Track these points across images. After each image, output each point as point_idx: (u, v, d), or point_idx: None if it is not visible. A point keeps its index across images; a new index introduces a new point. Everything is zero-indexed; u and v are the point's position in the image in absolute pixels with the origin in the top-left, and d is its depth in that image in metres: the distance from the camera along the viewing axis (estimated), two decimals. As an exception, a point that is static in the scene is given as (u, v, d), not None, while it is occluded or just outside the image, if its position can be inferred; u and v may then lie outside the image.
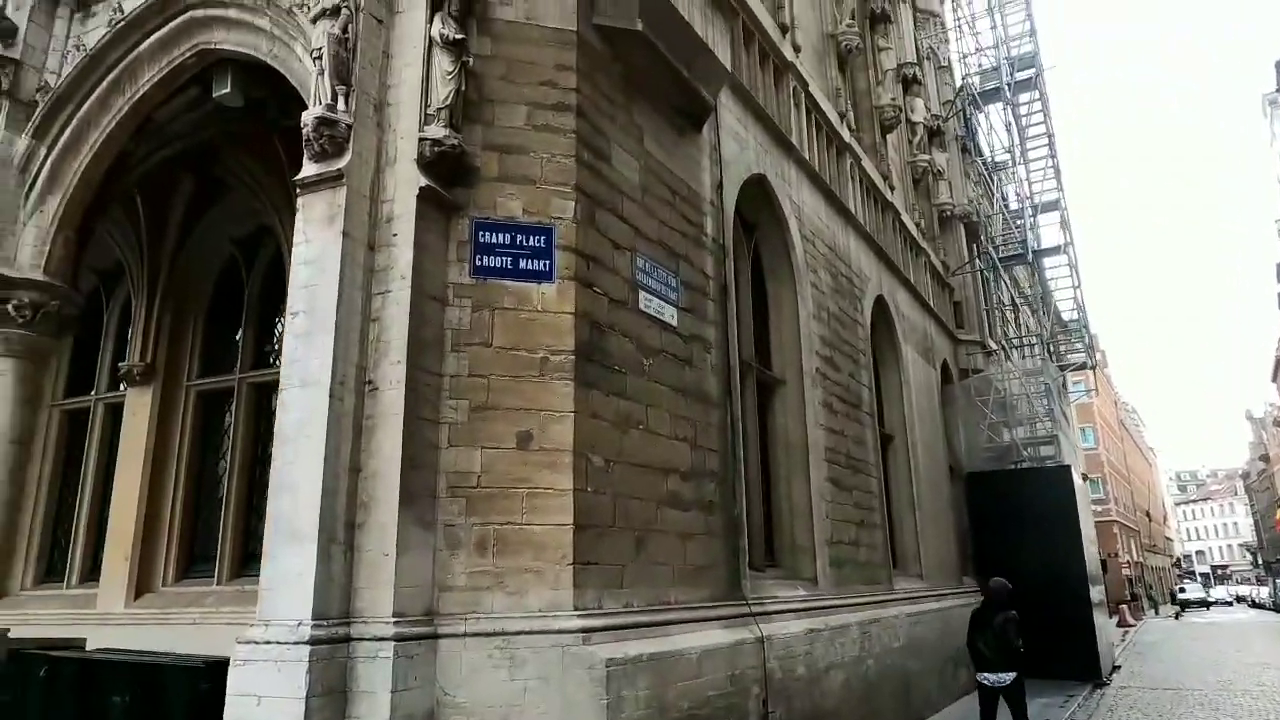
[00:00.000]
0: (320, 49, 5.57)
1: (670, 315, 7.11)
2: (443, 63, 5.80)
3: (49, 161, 7.23)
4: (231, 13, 6.71)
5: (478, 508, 5.40)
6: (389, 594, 4.89)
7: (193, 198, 9.66)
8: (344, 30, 5.63)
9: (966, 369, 18.80)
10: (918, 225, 17.17)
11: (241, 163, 8.88)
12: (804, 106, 11.49)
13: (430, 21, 5.89)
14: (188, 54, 7.00)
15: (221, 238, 9.89)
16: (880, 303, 13.60)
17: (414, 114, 5.74)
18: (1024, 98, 20.97)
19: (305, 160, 5.58)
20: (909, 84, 17.57)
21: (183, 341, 9.81)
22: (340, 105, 5.53)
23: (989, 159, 21.92)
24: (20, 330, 7.00)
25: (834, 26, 13.76)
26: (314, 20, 5.72)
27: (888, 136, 15.84)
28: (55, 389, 10.64)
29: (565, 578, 5.37)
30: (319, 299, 5.25)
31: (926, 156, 18.10)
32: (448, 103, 5.75)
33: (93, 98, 7.23)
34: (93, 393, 10.39)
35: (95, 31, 7.38)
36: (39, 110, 7.21)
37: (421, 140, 5.64)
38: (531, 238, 5.94)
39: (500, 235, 5.90)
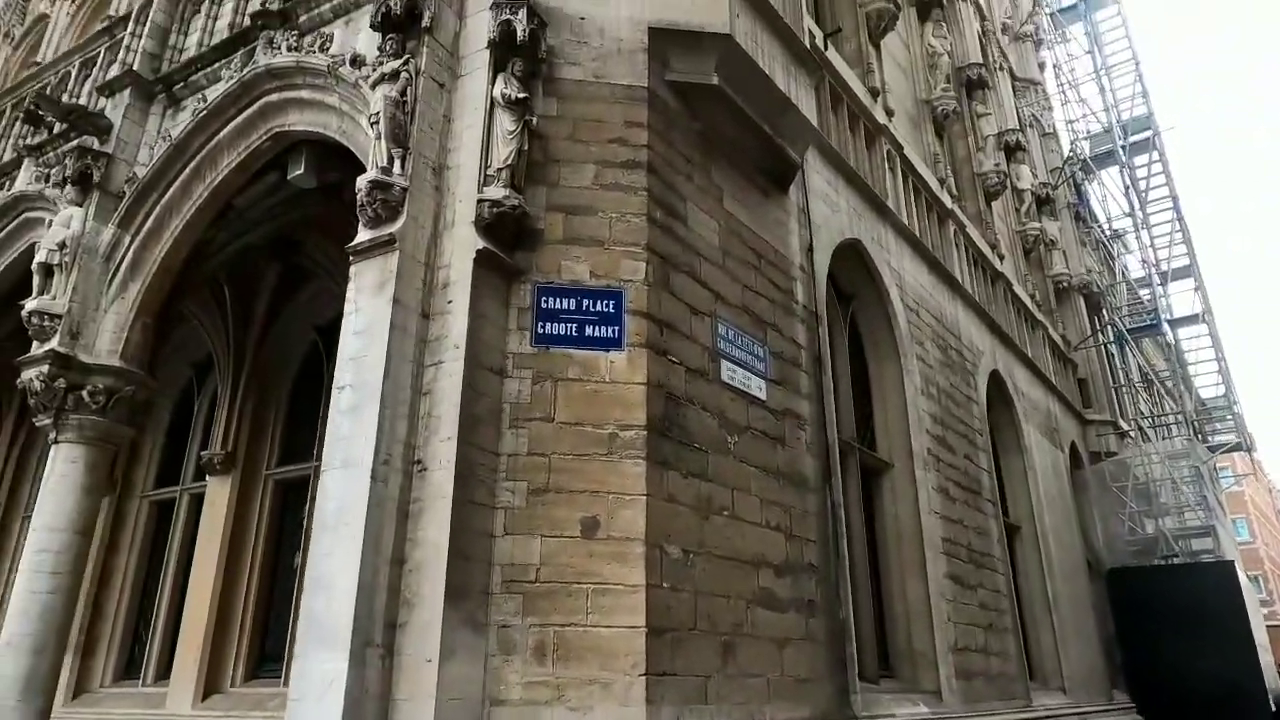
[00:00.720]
0: (377, 113, 5.35)
1: (758, 388, 6.39)
2: (504, 122, 5.48)
3: (132, 249, 7.28)
4: (304, 93, 6.68)
5: (536, 606, 4.71)
6: (430, 709, 4.21)
7: (276, 286, 9.70)
8: (402, 93, 5.41)
9: (1098, 452, 17.04)
10: (1032, 297, 15.95)
11: (321, 248, 8.85)
12: (900, 171, 10.84)
13: (492, 83, 5.63)
14: (264, 138, 6.99)
15: (304, 325, 9.85)
16: (996, 378, 12.43)
17: (473, 176, 5.40)
18: (1140, 160, 19.65)
19: (360, 227, 5.30)
20: (1012, 151, 16.67)
21: (264, 430, 9.69)
22: (396, 169, 5.25)
23: (1105, 226, 20.49)
24: (93, 417, 6.91)
25: (928, 92, 13.19)
26: (374, 86, 5.54)
27: (993, 204, 14.94)
28: (146, 480, 10.69)
29: (637, 691, 4.57)
30: (366, 371, 4.83)
31: (1036, 225, 16.98)
32: (509, 162, 5.40)
33: (175, 185, 7.29)
34: (179, 483, 10.36)
35: (183, 124, 7.52)
36: (125, 200, 7.32)
37: (480, 202, 5.27)
38: (599, 302, 5.42)
39: (565, 300, 5.41)
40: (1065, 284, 17.95)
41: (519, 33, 5.67)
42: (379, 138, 5.32)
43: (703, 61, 6.42)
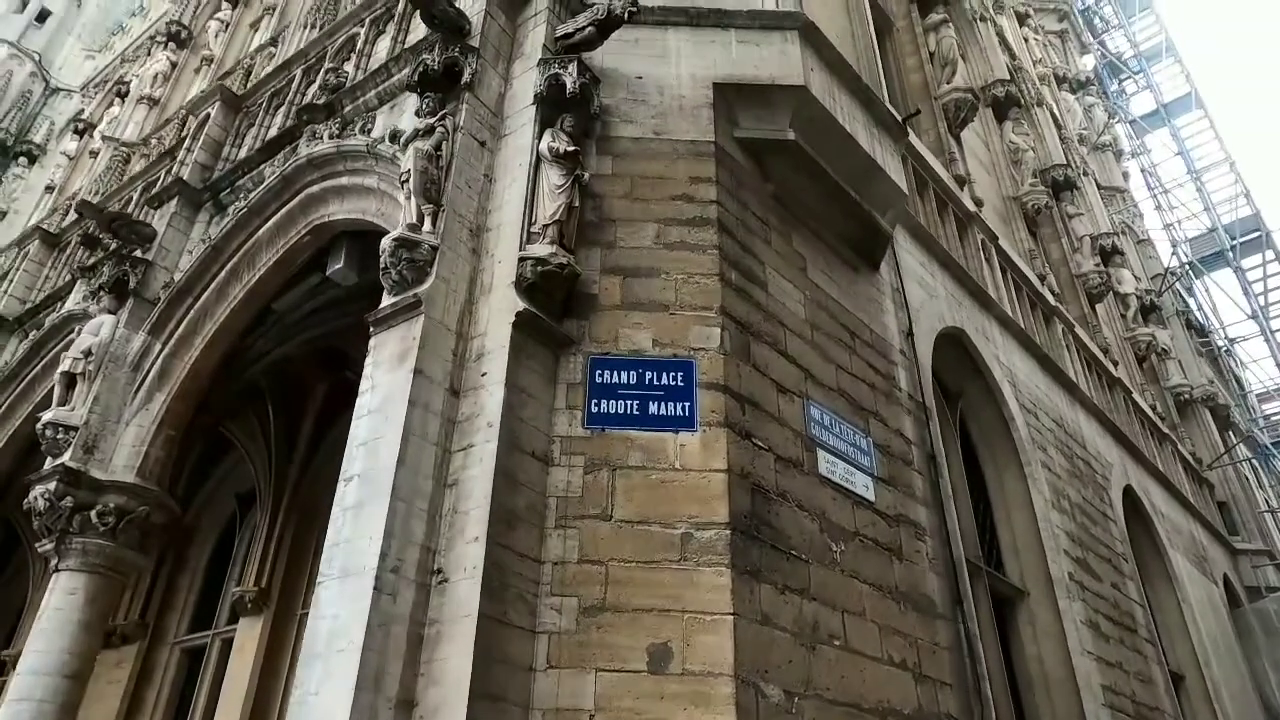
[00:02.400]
0: (408, 170, 4.72)
1: (864, 486, 5.21)
2: (551, 176, 4.78)
3: (161, 357, 6.74)
4: (344, 179, 6.20)
5: (589, 770, 3.47)
6: None
7: (323, 407, 9.09)
8: (436, 148, 4.80)
9: (1256, 587, 14.65)
10: (1153, 408, 14.25)
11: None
12: (996, 263, 9.82)
13: (539, 138, 4.99)
14: (304, 232, 6.50)
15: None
16: (1130, 495, 10.75)
17: (516, 235, 4.65)
18: (1251, 261, 18.15)
19: (383, 294, 4.55)
20: (1109, 255, 15.49)
21: (302, 564, 8.76)
22: (426, 226, 4.55)
23: (1221, 332, 18.73)
24: (100, 540, 6.12)
25: (1015, 189, 12.34)
26: (405, 145, 4.96)
27: (1096, 308, 13.63)
28: (179, 626, 9.79)
29: None
30: (379, 458, 3.92)
31: (1147, 331, 15.49)
32: (556, 218, 4.65)
33: (211, 288, 6.82)
34: (212, 628, 9.41)
35: (224, 227, 7.15)
36: (159, 305, 6.86)
37: (522, 260, 4.49)
38: (665, 374, 4.46)
39: (623, 374, 4.46)
40: (1186, 396, 16.19)
41: (568, 85, 5.07)
42: (409, 196, 4.66)
43: (775, 116, 5.71)
